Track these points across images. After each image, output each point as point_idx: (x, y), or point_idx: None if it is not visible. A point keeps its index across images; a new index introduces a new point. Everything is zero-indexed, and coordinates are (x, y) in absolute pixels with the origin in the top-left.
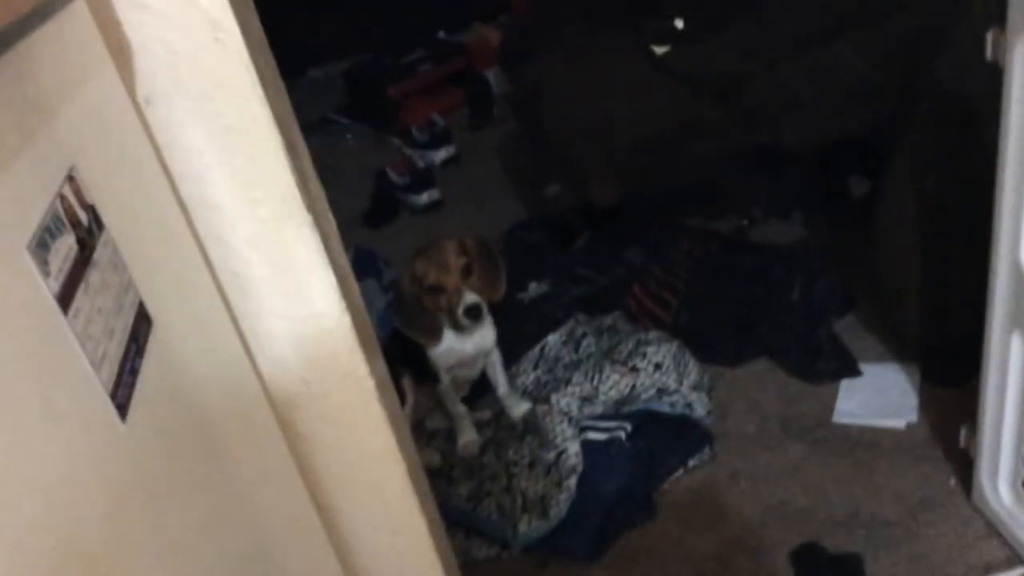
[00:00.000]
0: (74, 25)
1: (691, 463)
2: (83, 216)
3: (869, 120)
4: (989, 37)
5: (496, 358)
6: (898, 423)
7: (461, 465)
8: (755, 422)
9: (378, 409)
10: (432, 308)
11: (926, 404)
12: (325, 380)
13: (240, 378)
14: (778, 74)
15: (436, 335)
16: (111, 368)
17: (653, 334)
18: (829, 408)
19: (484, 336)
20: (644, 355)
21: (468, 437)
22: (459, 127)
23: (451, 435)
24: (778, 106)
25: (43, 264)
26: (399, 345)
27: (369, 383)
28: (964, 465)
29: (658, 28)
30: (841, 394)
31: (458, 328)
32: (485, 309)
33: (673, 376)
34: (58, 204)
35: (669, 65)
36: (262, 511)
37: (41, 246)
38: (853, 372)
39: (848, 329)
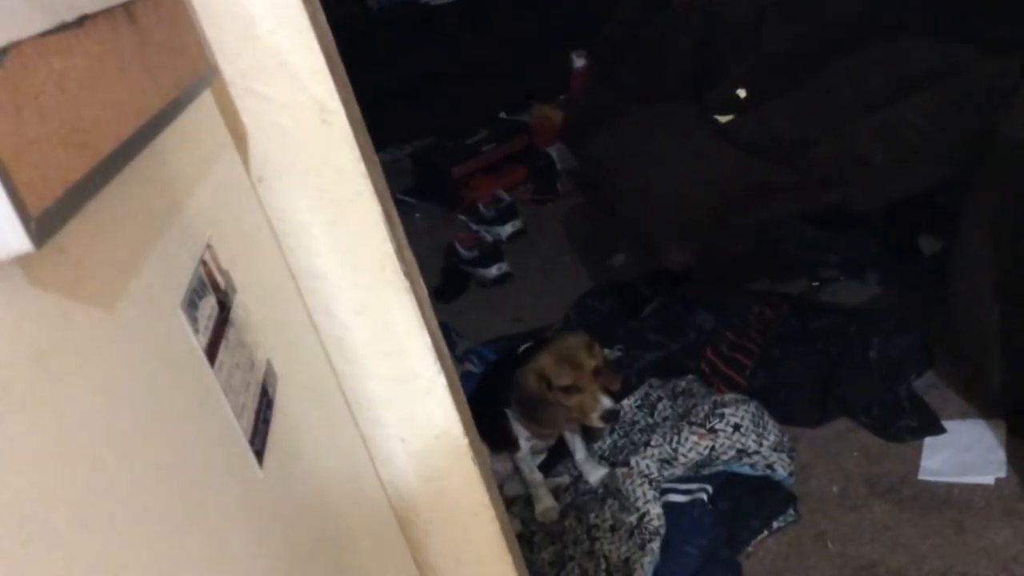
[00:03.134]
0: (202, 114)
1: (775, 524)
2: (221, 280)
3: (937, 178)
4: None
5: (575, 424)
6: (987, 479)
7: (542, 531)
8: (839, 482)
9: (472, 466)
10: (561, 407)
11: (1014, 459)
12: (421, 439)
13: (346, 436)
14: (844, 137)
15: (558, 430)
16: (249, 417)
17: (730, 396)
18: (914, 466)
19: None
20: (722, 416)
21: (546, 504)
22: (524, 202)
23: (529, 501)
24: (845, 168)
25: (193, 321)
26: (476, 413)
27: (463, 441)
28: None
29: (720, 97)
30: (925, 452)
31: (589, 430)
32: (623, 411)
33: (752, 437)
34: (201, 269)
35: (734, 133)
36: (364, 560)
37: (191, 305)
38: (936, 429)
39: (928, 387)
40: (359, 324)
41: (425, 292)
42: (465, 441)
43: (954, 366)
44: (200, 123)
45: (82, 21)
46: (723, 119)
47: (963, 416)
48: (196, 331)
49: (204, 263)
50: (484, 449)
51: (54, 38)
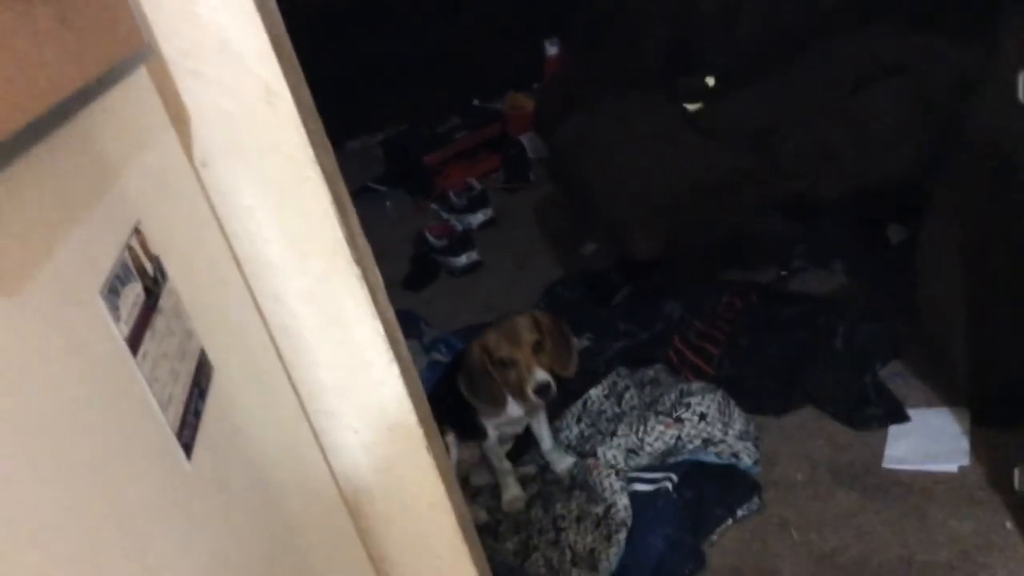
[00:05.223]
0: (136, 93)
1: (740, 513)
2: (149, 266)
3: (904, 167)
4: (1021, 79)
5: (542, 414)
6: (950, 467)
7: (508, 520)
8: (804, 470)
9: (427, 459)
10: (500, 381)
11: (978, 447)
12: (374, 429)
13: (293, 426)
14: (811, 126)
15: (501, 404)
16: (177, 409)
17: (696, 385)
18: (878, 454)
19: None
20: (688, 406)
21: (513, 493)
22: (496, 191)
23: (496, 491)
24: (813, 157)
25: (114, 308)
26: (444, 401)
27: (418, 432)
28: (1020, 508)
29: (690, 86)
30: (890, 440)
31: (525, 404)
32: (554, 388)
33: (718, 426)
34: (126, 254)
35: (702, 121)
36: (313, 553)
37: (112, 292)
38: (901, 418)
39: (894, 375)
40: (309, 312)
41: (379, 279)
42: (420, 431)
43: (919, 355)
44: (133, 102)
45: None
46: (692, 107)
47: (928, 405)
48: (117, 319)
49: (130, 248)
50: (441, 440)
51: None
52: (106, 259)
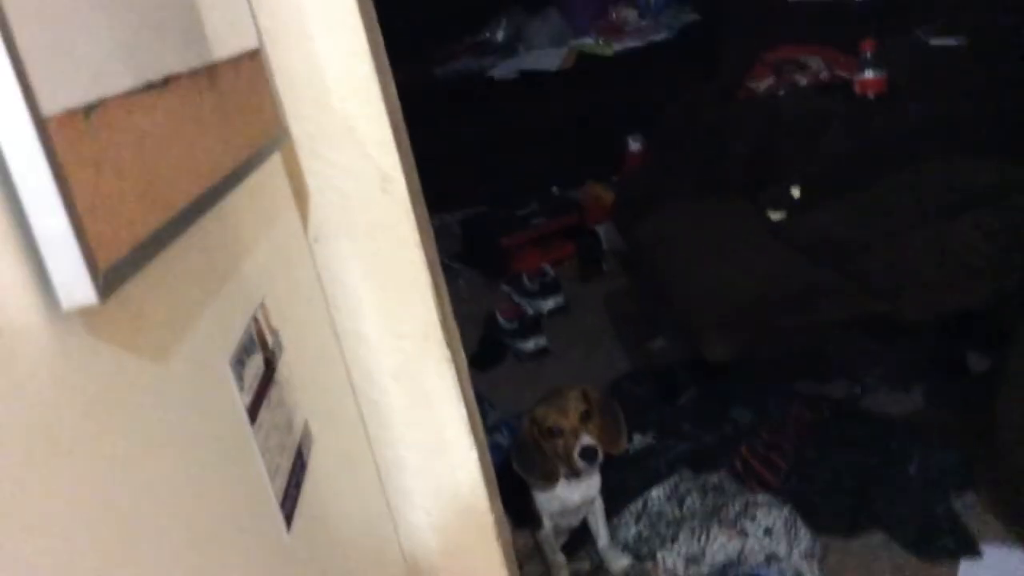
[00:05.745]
0: (271, 174)
1: None
2: (270, 339)
3: (991, 297)
4: None
5: (599, 507)
6: None
7: None
8: None
9: (495, 545)
10: (550, 452)
11: None
12: (446, 512)
13: (372, 502)
14: (897, 246)
15: (553, 480)
16: (282, 480)
17: (763, 497)
18: None
19: (591, 484)
20: (754, 518)
21: None
22: (568, 279)
23: None
24: (897, 278)
25: (239, 379)
26: (500, 488)
27: (489, 518)
28: None
29: (774, 195)
30: (961, 574)
31: (574, 472)
32: (600, 454)
33: (784, 542)
34: (252, 327)
35: (785, 231)
36: None
37: (239, 362)
38: (973, 552)
39: (967, 508)
40: (397, 390)
41: (464, 364)
42: (491, 518)
43: (995, 490)
44: (267, 183)
45: (167, 82)
46: (775, 216)
47: (1001, 542)
48: (241, 389)
49: (256, 320)
50: (508, 527)
51: (139, 96)
52: (236, 331)
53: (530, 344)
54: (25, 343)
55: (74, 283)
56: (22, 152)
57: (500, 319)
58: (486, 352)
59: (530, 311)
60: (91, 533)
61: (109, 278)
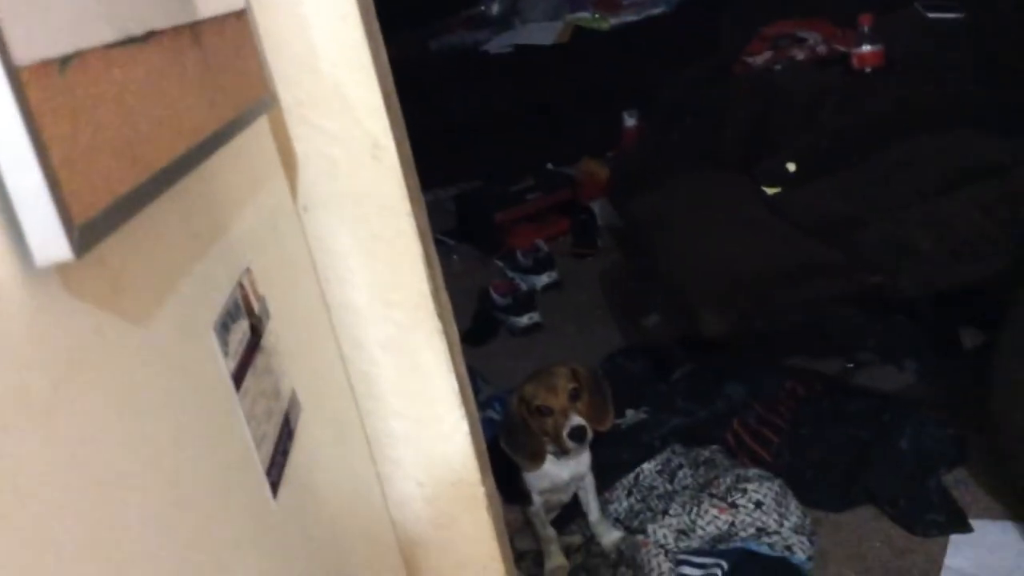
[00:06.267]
0: (256, 138)
1: None
2: (256, 305)
3: (988, 273)
4: None
5: (590, 483)
6: None
7: None
8: (858, 571)
9: (486, 517)
10: (538, 431)
11: None
12: (437, 483)
13: (362, 472)
14: (893, 221)
15: (540, 458)
16: (268, 447)
17: (754, 471)
18: (937, 563)
19: (580, 461)
20: (744, 492)
21: (557, 562)
22: (562, 255)
23: (539, 558)
24: (893, 252)
25: (224, 344)
26: (491, 464)
27: (480, 490)
28: None
29: (770, 170)
30: (951, 549)
31: (563, 451)
32: (590, 433)
33: (774, 516)
34: (238, 292)
35: (781, 206)
36: None
37: (223, 327)
38: (964, 527)
39: (958, 482)
40: (387, 361)
41: (456, 336)
42: (482, 490)
43: (987, 464)
44: (253, 147)
45: (148, 36)
46: (771, 191)
47: (992, 517)
48: (226, 354)
49: (241, 286)
50: (499, 500)
51: (119, 50)
52: (220, 296)
53: (524, 319)
54: (1, 300)
55: (48, 238)
56: None
57: (494, 294)
58: (479, 327)
59: (524, 287)
60: (68, 496)
61: (85, 234)
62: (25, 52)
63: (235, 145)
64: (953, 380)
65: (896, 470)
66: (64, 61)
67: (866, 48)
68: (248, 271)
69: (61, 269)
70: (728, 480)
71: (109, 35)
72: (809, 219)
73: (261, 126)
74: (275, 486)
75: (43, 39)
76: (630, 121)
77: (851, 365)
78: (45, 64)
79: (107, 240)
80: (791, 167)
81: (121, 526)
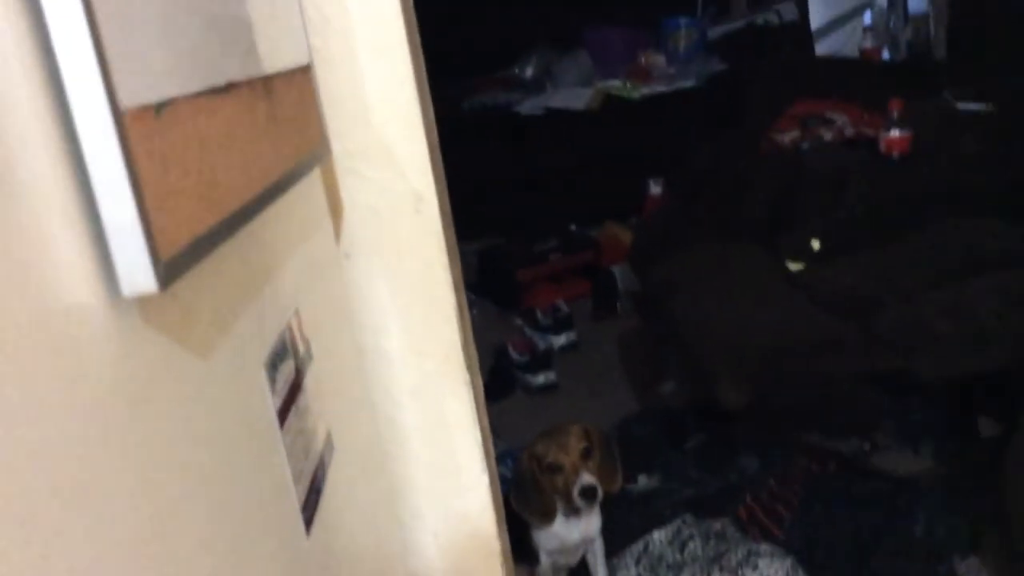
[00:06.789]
0: (311, 187)
1: None
2: (301, 347)
3: (1005, 361)
4: None
5: (599, 547)
6: None
7: None
8: None
9: (500, 573)
10: (548, 489)
11: None
12: (454, 535)
13: (382, 519)
14: (914, 304)
15: (550, 517)
16: (304, 485)
17: (765, 547)
18: None
19: (590, 523)
20: (756, 567)
21: None
22: (582, 316)
23: None
24: (912, 334)
25: (272, 382)
26: None
27: (496, 545)
28: None
29: (794, 245)
30: None
31: (573, 510)
32: (600, 492)
33: None
34: (287, 334)
35: (803, 282)
36: None
37: (272, 366)
38: None
39: (970, 571)
40: (414, 408)
41: (482, 388)
42: (498, 545)
43: (999, 554)
44: (307, 195)
45: (228, 87)
46: (794, 267)
47: None
48: (273, 392)
49: (290, 328)
50: (512, 557)
51: (204, 98)
52: (271, 335)
53: (540, 378)
54: (87, 325)
55: (136, 271)
56: (99, 141)
57: (511, 351)
58: (495, 383)
59: (541, 345)
60: (129, 518)
61: (169, 269)
62: (128, 97)
63: (293, 193)
64: (969, 468)
65: (907, 555)
66: (160, 107)
67: (895, 133)
68: (296, 313)
69: (142, 301)
70: (739, 554)
71: (196, 85)
72: (830, 296)
73: (315, 176)
74: (309, 522)
75: (143, 85)
76: (655, 189)
77: (867, 446)
78: (144, 109)
79: (184, 276)
80: (815, 244)
81: (170, 549)
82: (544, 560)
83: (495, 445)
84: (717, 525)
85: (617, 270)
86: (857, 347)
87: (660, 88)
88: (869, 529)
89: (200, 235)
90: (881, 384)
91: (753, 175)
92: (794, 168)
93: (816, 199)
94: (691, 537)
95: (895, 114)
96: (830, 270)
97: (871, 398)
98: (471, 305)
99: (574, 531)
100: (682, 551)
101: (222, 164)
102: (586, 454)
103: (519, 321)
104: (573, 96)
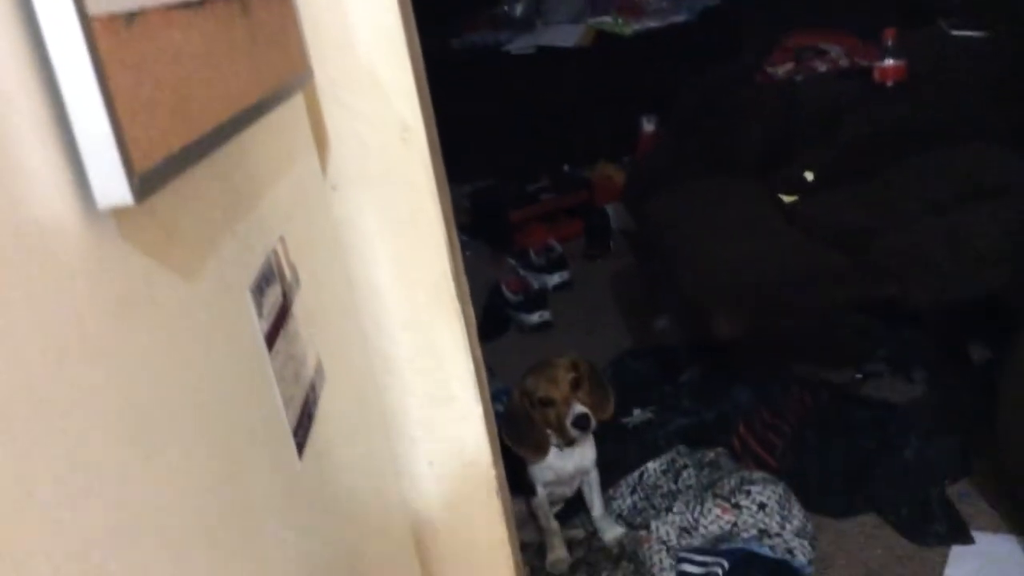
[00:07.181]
0: (292, 113)
1: None
2: (288, 273)
3: (999, 287)
4: None
5: (594, 478)
6: None
7: None
8: None
9: (496, 501)
10: (541, 422)
11: None
12: (449, 464)
13: (376, 447)
14: (909, 232)
15: (543, 451)
16: (295, 410)
17: (758, 474)
18: (937, 572)
19: (584, 455)
20: (748, 493)
21: (558, 555)
22: (574, 256)
23: (542, 550)
24: (907, 262)
25: (259, 306)
26: None
27: (491, 473)
28: None
29: (788, 178)
30: (951, 560)
31: (567, 441)
32: (593, 421)
33: (776, 519)
34: (272, 258)
35: (797, 214)
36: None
37: (258, 290)
38: (965, 539)
39: (962, 495)
40: (406, 339)
41: (473, 319)
42: (493, 473)
43: (991, 478)
44: (289, 121)
45: (203, 2)
46: (788, 199)
47: (994, 530)
48: (260, 315)
49: (276, 253)
50: (507, 487)
51: (177, 12)
52: (256, 259)
53: (534, 317)
54: (63, 240)
55: (111, 183)
56: (67, 51)
57: (505, 291)
58: (489, 323)
59: (535, 285)
60: (113, 434)
61: (144, 183)
62: (96, 5)
63: (274, 117)
64: (961, 393)
65: (899, 480)
66: (130, 16)
67: (889, 62)
68: (282, 239)
69: (118, 215)
70: (732, 482)
71: None
72: (825, 228)
73: (297, 102)
74: (300, 447)
75: None
76: (648, 126)
77: (860, 376)
78: (113, 17)
79: (161, 192)
80: (809, 176)
81: (159, 467)
82: (540, 491)
83: (490, 383)
84: (711, 454)
85: (610, 209)
86: (849, 276)
87: (652, 23)
88: (861, 455)
89: (176, 150)
90: (874, 313)
91: (747, 109)
92: (788, 100)
93: (810, 131)
94: (685, 466)
95: (889, 43)
96: (824, 202)
97: (865, 327)
98: (464, 247)
99: (568, 462)
100: (676, 480)
101: (198, 80)
102: (576, 385)
103: (512, 262)
104: (563, 33)
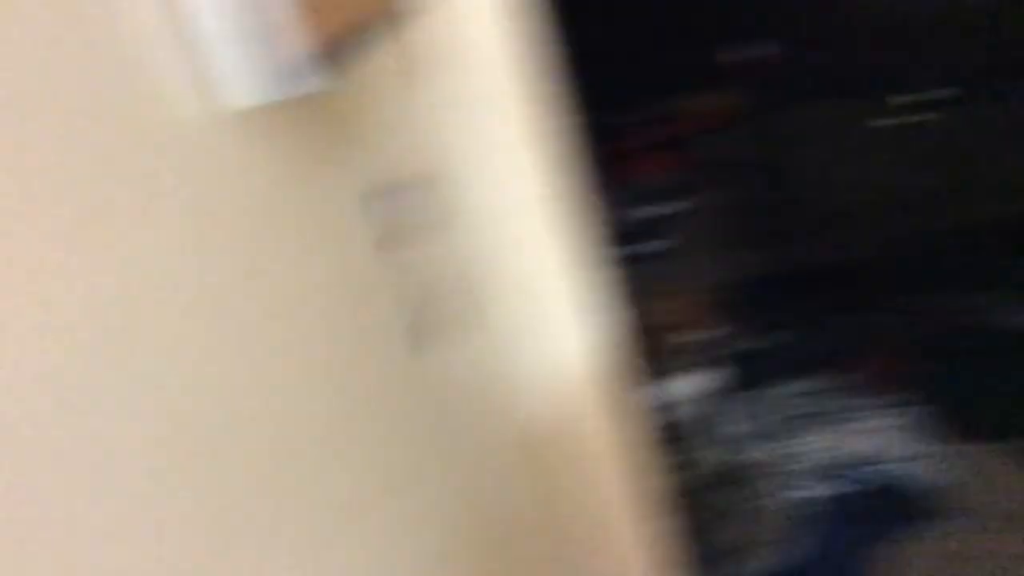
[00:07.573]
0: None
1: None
2: (414, 184)
3: None
4: None
5: None
6: None
7: None
8: (991, 505)
9: (607, 421)
10: None
11: None
12: (567, 379)
13: (490, 358)
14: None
15: None
16: (411, 312)
17: (886, 398)
18: None
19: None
20: (873, 419)
21: None
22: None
23: None
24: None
25: (392, 207)
26: None
27: (607, 392)
28: None
29: (902, 104)
30: None
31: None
32: None
33: (914, 445)
34: (395, 170)
35: (912, 138)
36: (494, 484)
37: (379, 198)
38: None
39: None
40: (517, 258)
41: (587, 244)
42: (610, 393)
43: None
44: (426, 38)
45: None
46: (915, 119)
47: None
48: (386, 220)
49: (403, 163)
50: (624, 407)
51: None
52: (378, 170)
53: (651, 246)
54: (193, 132)
55: (307, 70)
56: None
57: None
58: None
59: (649, 215)
60: (241, 327)
61: (326, 70)
62: None
63: (411, 32)
64: None
65: None
66: None
67: None
68: (409, 150)
69: (268, 111)
70: (868, 407)
71: None
72: (938, 152)
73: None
74: (424, 347)
75: None
76: (763, 50)
77: (984, 302)
78: None
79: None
80: (931, 97)
81: (287, 354)
82: None
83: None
84: (839, 380)
85: (721, 134)
86: (977, 197)
87: None
88: (987, 383)
89: (344, 42)
90: (998, 236)
91: (862, 35)
92: (902, 29)
93: (922, 59)
94: (815, 391)
95: None
96: (940, 126)
97: (993, 253)
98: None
99: None
100: (806, 404)
101: None
102: None
103: (619, 193)
104: None
